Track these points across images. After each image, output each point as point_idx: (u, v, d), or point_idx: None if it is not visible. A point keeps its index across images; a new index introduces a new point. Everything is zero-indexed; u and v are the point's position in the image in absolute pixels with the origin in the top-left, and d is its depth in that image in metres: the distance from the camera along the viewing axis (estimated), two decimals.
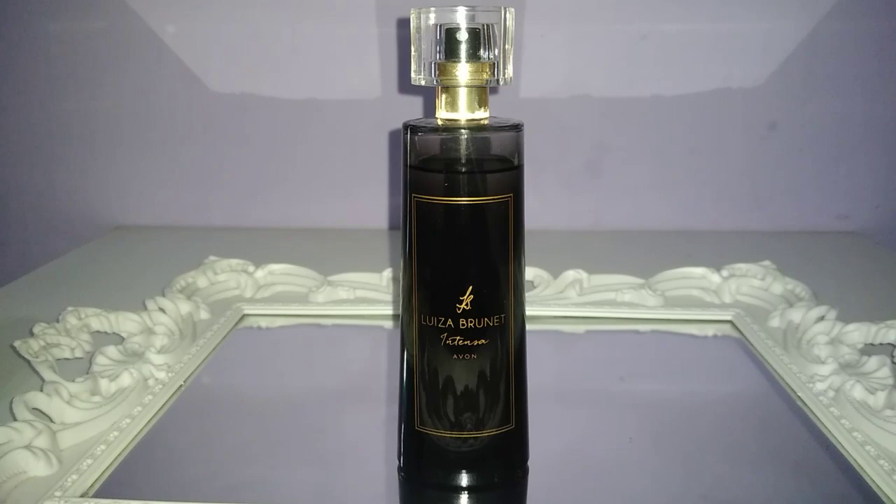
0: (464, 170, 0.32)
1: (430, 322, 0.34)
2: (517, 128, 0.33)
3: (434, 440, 0.35)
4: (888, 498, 0.36)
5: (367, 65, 0.77)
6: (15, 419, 0.41)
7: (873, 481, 0.37)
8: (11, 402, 0.42)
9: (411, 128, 0.33)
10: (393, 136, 0.79)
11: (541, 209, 0.80)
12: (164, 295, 0.58)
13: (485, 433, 0.35)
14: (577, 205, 0.82)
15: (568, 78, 0.77)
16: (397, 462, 0.37)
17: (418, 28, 0.34)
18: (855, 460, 0.39)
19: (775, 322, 0.56)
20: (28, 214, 0.85)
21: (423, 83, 0.34)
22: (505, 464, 0.36)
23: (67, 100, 0.80)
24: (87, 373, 0.47)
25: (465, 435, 0.35)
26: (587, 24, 0.75)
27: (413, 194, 0.33)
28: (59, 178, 0.83)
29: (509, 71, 0.34)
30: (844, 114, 0.77)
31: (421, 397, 0.35)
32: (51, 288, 0.65)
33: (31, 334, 0.51)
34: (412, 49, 0.34)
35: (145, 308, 0.56)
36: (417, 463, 0.36)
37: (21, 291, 0.64)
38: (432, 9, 0.33)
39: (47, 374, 0.46)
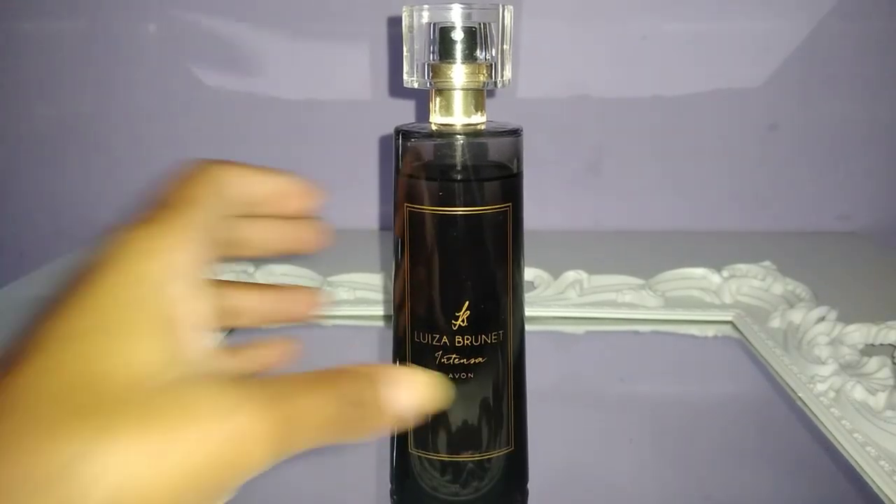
0: (460, 178, 0.30)
1: (424, 339, 0.32)
2: (516, 133, 0.32)
3: (428, 464, 0.33)
4: (888, 499, 0.36)
5: (369, 66, 0.77)
6: None
7: (874, 482, 0.37)
8: None
9: (403, 133, 0.31)
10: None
11: (541, 210, 0.80)
12: None
13: (482, 456, 0.33)
14: (577, 205, 0.81)
15: (568, 78, 0.77)
16: (390, 485, 0.36)
17: (411, 27, 0.32)
18: (855, 461, 0.39)
19: (776, 323, 0.56)
20: (28, 215, 0.85)
21: (416, 86, 0.32)
22: (504, 489, 0.34)
23: (67, 100, 0.80)
24: None
25: (461, 458, 0.33)
26: (587, 24, 0.75)
27: (406, 204, 0.31)
28: (59, 178, 0.83)
29: (507, 73, 0.32)
30: (844, 114, 0.77)
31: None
32: (51, 288, 0.65)
33: None
34: (404, 49, 0.32)
35: None
36: (411, 487, 0.34)
37: (21, 292, 0.64)
38: (426, 6, 0.31)
39: None
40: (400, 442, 0.34)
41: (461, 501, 0.33)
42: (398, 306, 0.33)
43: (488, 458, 0.33)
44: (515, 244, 0.32)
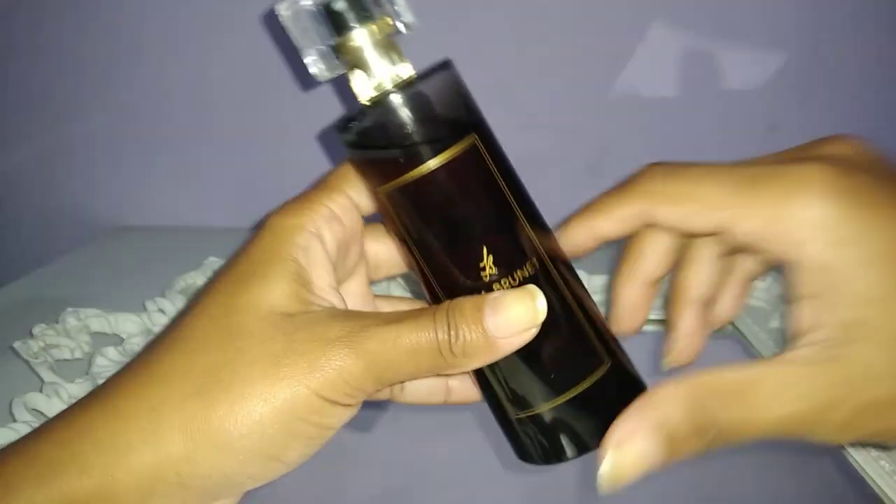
0: (415, 134, 0.28)
1: None
2: (446, 65, 0.29)
3: (543, 417, 0.30)
4: (888, 498, 0.36)
5: None
6: (14, 420, 0.41)
7: (874, 481, 0.37)
8: (11, 403, 0.42)
9: (341, 124, 0.30)
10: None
11: (541, 209, 0.80)
12: (164, 296, 0.58)
13: (585, 385, 0.30)
14: (578, 205, 0.81)
15: (568, 78, 0.77)
16: (517, 457, 0.33)
17: (293, 20, 0.30)
18: (855, 460, 0.39)
19: (776, 323, 0.56)
20: (28, 214, 0.85)
21: (329, 75, 0.31)
22: (624, 402, 0.31)
23: (67, 99, 0.80)
24: (87, 374, 0.47)
25: (569, 395, 0.30)
26: (587, 24, 0.75)
27: (378, 188, 0.29)
28: (59, 178, 0.83)
29: (408, 12, 0.30)
30: (844, 114, 0.77)
31: (503, 387, 0.30)
32: (50, 288, 0.65)
33: (31, 335, 0.51)
34: (298, 46, 0.30)
35: (145, 309, 0.56)
36: (539, 445, 0.32)
37: (20, 292, 0.64)
38: None
39: (47, 375, 0.46)
40: (502, 414, 0.31)
41: (588, 437, 0.31)
42: (426, 288, 0.31)
43: (592, 384, 0.30)
44: (503, 168, 0.30)
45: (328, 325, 0.26)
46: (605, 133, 0.79)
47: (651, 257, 0.33)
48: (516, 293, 0.27)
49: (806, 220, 0.26)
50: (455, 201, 0.29)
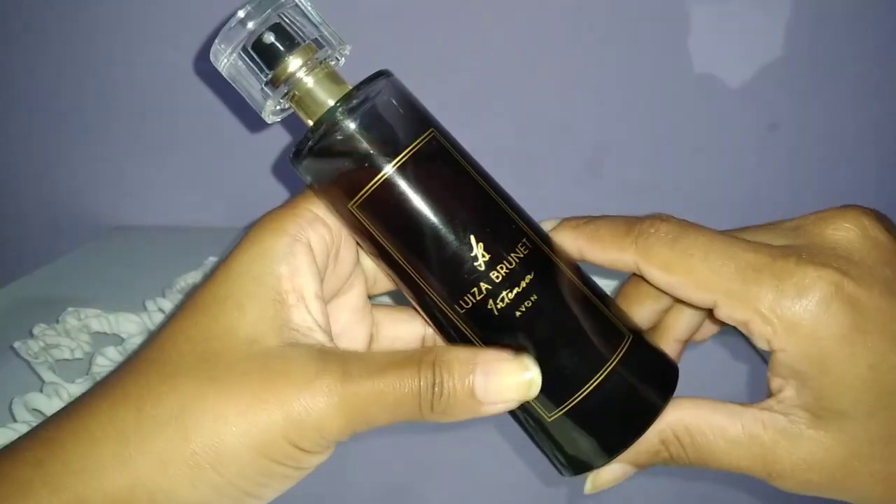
0: (373, 137, 0.28)
1: (468, 303, 0.29)
2: (384, 73, 0.30)
3: (574, 414, 0.29)
4: None
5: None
6: (14, 420, 0.41)
7: None
8: (11, 403, 0.42)
9: (296, 152, 0.30)
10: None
11: (541, 209, 0.80)
12: (164, 296, 0.58)
13: (614, 362, 0.29)
14: (577, 205, 0.81)
15: (567, 78, 0.77)
16: (560, 474, 0.32)
17: (231, 68, 0.30)
18: None
19: None
20: (28, 214, 0.85)
21: (280, 110, 0.31)
22: (659, 372, 0.31)
23: (67, 99, 0.80)
24: (87, 374, 0.47)
25: (599, 378, 0.29)
26: (586, 23, 0.75)
27: (349, 205, 0.29)
28: (58, 178, 0.83)
29: (337, 36, 0.31)
30: (845, 114, 0.77)
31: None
32: (50, 288, 0.65)
33: (31, 335, 0.51)
34: (241, 92, 0.31)
35: (145, 309, 0.56)
36: (579, 449, 0.30)
37: (21, 292, 0.64)
38: (223, 43, 0.30)
39: (47, 375, 0.46)
40: (536, 421, 0.30)
41: (630, 425, 0.29)
42: (419, 299, 0.30)
43: (621, 360, 0.29)
44: (468, 158, 0.30)
45: (307, 371, 0.25)
46: (605, 133, 0.79)
47: (637, 319, 0.34)
48: (511, 364, 0.26)
49: (797, 331, 0.26)
50: (428, 193, 0.28)
